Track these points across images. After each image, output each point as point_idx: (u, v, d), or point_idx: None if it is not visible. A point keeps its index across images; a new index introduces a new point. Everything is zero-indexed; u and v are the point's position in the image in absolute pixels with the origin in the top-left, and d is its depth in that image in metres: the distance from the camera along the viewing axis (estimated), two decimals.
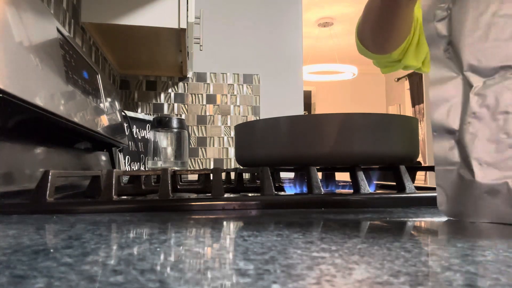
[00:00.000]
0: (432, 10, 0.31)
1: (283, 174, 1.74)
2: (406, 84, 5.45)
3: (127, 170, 1.28)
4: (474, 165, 0.28)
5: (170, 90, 1.87)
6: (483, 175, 0.28)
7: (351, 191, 0.47)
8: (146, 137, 1.44)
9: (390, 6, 0.56)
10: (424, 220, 0.33)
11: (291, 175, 1.66)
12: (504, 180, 0.27)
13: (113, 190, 0.40)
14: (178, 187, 0.59)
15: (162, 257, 0.20)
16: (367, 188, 0.43)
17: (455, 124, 0.29)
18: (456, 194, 0.29)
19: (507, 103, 0.27)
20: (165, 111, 1.85)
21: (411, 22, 0.60)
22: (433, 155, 0.31)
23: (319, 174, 0.68)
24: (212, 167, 1.87)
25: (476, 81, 0.28)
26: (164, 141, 0.92)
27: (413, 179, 0.50)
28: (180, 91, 1.88)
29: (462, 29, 0.29)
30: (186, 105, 1.88)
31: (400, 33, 0.61)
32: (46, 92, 0.49)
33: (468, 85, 0.29)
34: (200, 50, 1.53)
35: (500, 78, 0.27)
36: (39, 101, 0.46)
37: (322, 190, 0.43)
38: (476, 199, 0.28)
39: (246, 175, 0.93)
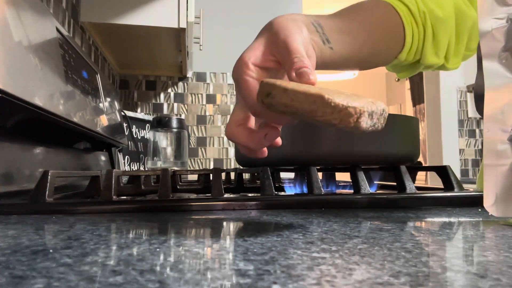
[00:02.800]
0: (489, 20, 0.32)
1: (283, 174, 1.74)
2: (407, 84, 5.44)
3: (127, 170, 1.28)
4: None
5: (169, 90, 1.87)
6: None
7: (352, 191, 0.47)
8: (145, 137, 1.44)
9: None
10: (425, 221, 0.32)
11: (291, 175, 1.66)
12: None
13: (113, 190, 0.39)
14: (178, 187, 0.59)
15: (161, 257, 0.19)
16: (367, 188, 0.43)
17: (509, 123, 0.30)
18: (506, 192, 0.30)
19: None
20: (165, 111, 1.85)
21: (393, 27, 0.50)
22: (484, 153, 0.31)
23: (319, 174, 0.68)
24: (212, 167, 1.87)
25: None
26: (164, 141, 0.92)
27: (413, 179, 0.50)
28: (179, 91, 1.88)
29: None
30: (186, 105, 1.88)
31: (381, 48, 0.50)
32: (46, 92, 0.49)
33: None
34: (200, 50, 1.53)
35: None
36: (38, 101, 0.46)
37: (322, 190, 0.42)
38: None
39: (246, 175, 0.92)
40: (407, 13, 0.52)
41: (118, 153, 1.19)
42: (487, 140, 0.31)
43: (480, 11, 0.33)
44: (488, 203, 0.30)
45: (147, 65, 1.70)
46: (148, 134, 1.20)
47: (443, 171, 0.47)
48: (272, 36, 0.35)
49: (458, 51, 0.55)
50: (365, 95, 0.28)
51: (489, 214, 0.34)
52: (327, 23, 0.42)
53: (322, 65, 0.40)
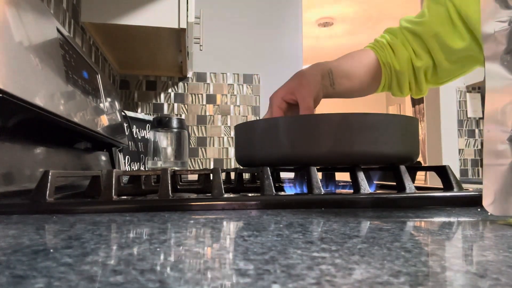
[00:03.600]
0: (492, 23, 0.33)
1: (283, 174, 1.74)
2: None
3: (127, 170, 1.28)
4: None
5: (170, 90, 1.87)
6: None
7: (351, 191, 0.47)
8: (146, 137, 1.44)
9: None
10: (424, 220, 0.33)
11: (291, 175, 1.66)
12: None
13: (113, 190, 0.39)
14: (178, 187, 0.59)
15: (162, 257, 0.20)
16: (367, 188, 0.43)
17: (509, 123, 0.30)
18: (505, 191, 0.30)
19: None
20: (165, 111, 1.85)
21: (369, 76, 0.73)
22: (483, 153, 0.31)
23: (319, 174, 0.68)
24: (212, 167, 1.87)
25: None
26: (164, 141, 0.92)
27: (413, 179, 0.50)
28: (180, 91, 1.88)
29: None
30: (186, 105, 1.88)
31: (366, 91, 0.75)
32: (46, 92, 0.49)
33: None
34: (200, 50, 1.53)
35: None
36: (39, 101, 0.46)
37: (322, 190, 0.43)
38: None
39: (246, 175, 0.93)
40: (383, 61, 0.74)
41: (119, 153, 1.19)
42: (487, 140, 0.31)
43: (483, 15, 0.34)
44: (487, 202, 0.31)
45: (148, 65, 1.70)
46: (148, 134, 1.20)
47: (442, 171, 0.47)
48: (296, 86, 0.61)
49: (419, 88, 0.76)
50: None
51: (488, 213, 0.34)
52: (337, 69, 0.68)
53: (325, 96, 0.66)
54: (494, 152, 0.31)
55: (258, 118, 1.82)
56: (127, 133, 1.27)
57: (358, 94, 0.74)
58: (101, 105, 0.83)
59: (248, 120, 1.71)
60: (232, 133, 1.91)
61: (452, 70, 0.72)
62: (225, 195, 0.41)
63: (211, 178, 0.48)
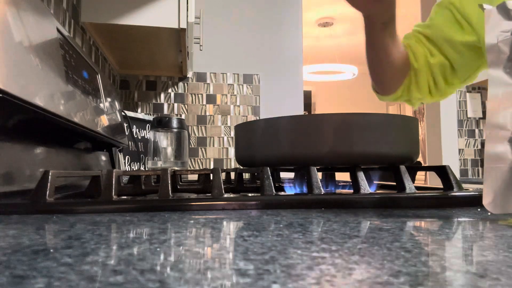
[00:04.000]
0: (495, 33, 0.34)
1: (283, 174, 1.74)
2: None
3: (127, 170, 1.28)
4: None
5: (170, 90, 1.87)
6: None
7: (351, 191, 0.47)
8: (146, 137, 1.44)
9: (370, 36, 0.68)
10: (424, 220, 0.33)
11: (291, 175, 1.66)
12: None
13: (113, 190, 0.39)
14: (178, 187, 0.59)
15: (162, 257, 0.20)
16: (367, 188, 0.43)
17: (509, 126, 0.31)
18: (505, 190, 0.31)
19: None
20: (165, 111, 1.85)
21: (401, 59, 0.72)
22: (485, 155, 0.32)
23: (319, 174, 0.68)
24: (212, 167, 1.87)
25: None
26: (164, 141, 0.92)
27: (413, 179, 0.50)
28: (180, 91, 1.88)
29: None
30: (186, 105, 1.88)
31: (392, 71, 0.74)
32: (46, 92, 0.49)
33: None
34: (200, 50, 1.53)
35: None
36: (39, 101, 0.46)
37: (322, 190, 0.43)
38: None
39: (246, 175, 0.93)
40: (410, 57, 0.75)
41: (119, 153, 1.19)
42: (489, 142, 0.32)
43: (487, 26, 0.35)
44: (486, 200, 0.31)
45: (148, 65, 1.70)
46: (148, 134, 1.20)
47: (442, 171, 0.47)
48: None
49: (437, 88, 0.75)
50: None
51: (488, 213, 0.34)
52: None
53: (370, 19, 0.66)
54: (495, 153, 0.32)
55: (258, 118, 1.81)
56: (127, 133, 1.27)
57: (382, 69, 0.74)
58: (101, 105, 0.83)
59: (248, 120, 1.71)
60: (232, 133, 1.91)
61: (467, 64, 0.73)
62: (225, 195, 0.41)
63: (211, 178, 0.48)
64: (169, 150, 0.92)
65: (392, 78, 0.75)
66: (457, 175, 2.50)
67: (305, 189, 0.52)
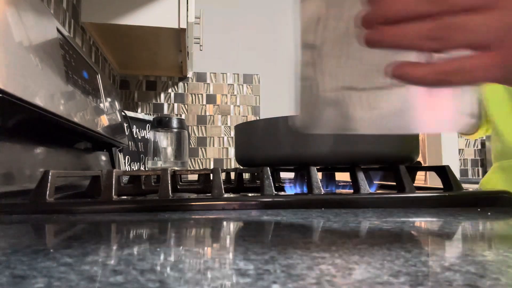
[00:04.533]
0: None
1: (283, 174, 1.74)
2: None
3: (127, 170, 1.28)
4: (319, 78, 0.30)
5: (170, 90, 1.87)
6: (326, 88, 0.30)
7: (351, 191, 0.47)
8: (146, 137, 1.44)
9: None
10: (424, 220, 0.33)
11: (291, 175, 1.66)
12: (340, 91, 0.30)
13: (113, 190, 0.39)
14: (178, 187, 0.59)
15: (162, 257, 0.20)
16: (367, 188, 0.43)
17: (318, 37, 0.32)
18: (309, 108, 0.31)
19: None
20: (165, 111, 1.85)
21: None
22: (296, 72, 0.33)
23: (319, 174, 0.68)
24: (212, 167, 1.87)
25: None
26: (164, 141, 0.92)
27: (413, 179, 0.50)
28: (180, 91, 1.88)
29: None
30: (186, 105, 1.88)
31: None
32: (46, 92, 0.49)
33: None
34: (200, 50, 1.53)
35: None
36: (39, 101, 0.46)
37: (322, 190, 0.43)
38: (321, 111, 0.30)
39: (246, 175, 0.93)
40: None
41: (119, 153, 1.19)
42: (302, 50, 0.32)
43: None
44: (296, 119, 0.31)
45: (148, 65, 1.71)
46: (148, 134, 1.20)
47: (442, 171, 0.47)
48: None
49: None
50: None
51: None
52: None
53: None
54: (302, 70, 0.32)
55: (258, 118, 1.81)
56: (127, 133, 1.27)
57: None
58: (101, 105, 0.83)
59: (248, 120, 1.71)
60: (232, 133, 1.91)
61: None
62: (225, 195, 0.41)
63: (211, 178, 0.48)
64: (169, 150, 0.92)
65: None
66: (457, 175, 2.50)
67: (305, 189, 0.52)
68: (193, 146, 1.88)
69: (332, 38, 0.31)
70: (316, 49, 0.32)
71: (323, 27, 0.31)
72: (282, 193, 0.53)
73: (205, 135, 1.89)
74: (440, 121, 0.29)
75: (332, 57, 0.31)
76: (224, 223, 0.31)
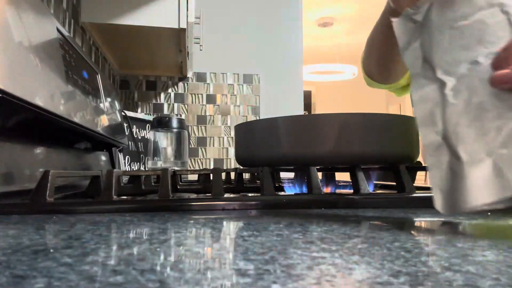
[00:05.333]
0: (407, 40, 0.36)
1: (283, 174, 1.74)
2: None
3: (127, 170, 1.28)
4: (461, 153, 0.29)
5: (170, 90, 1.87)
6: (471, 160, 0.29)
7: (351, 191, 0.47)
8: (146, 137, 1.44)
9: (392, 44, 0.63)
10: (424, 220, 0.33)
11: (291, 175, 1.66)
12: (488, 159, 0.28)
13: (113, 190, 0.39)
14: (178, 187, 0.59)
15: (162, 257, 0.20)
16: (367, 188, 0.43)
17: (439, 123, 0.31)
18: (449, 189, 0.30)
19: (477, 91, 0.30)
20: (165, 111, 1.85)
21: None
22: (426, 157, 0.32)
23: (319, 174, 0.68)
24: (212, 167, 1.87)
25: (449, 80, 0.32)
26: (164, 141, 0.92)
27: (413, 179, 0.50)
28: (180, 91, 1.88)
29: (431, 49, 0.34)
30: (186, 105, 1.88)
31: (403, 65, 0.68)
32: (46, 92, 0.49)
33: (444, 86, 0.32)
34: (200, 50, 1.53)
35: (468, 72, 0.31)
36: (39, 101, 0.46)
37: (322, 190, 0.43)
38: (468, 186, 0.29)
39: (246, 175, 0.93)
40: None
41: (119, 153, 1.19)
42: (425, 144, 0.32)
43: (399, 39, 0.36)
44: (436, 203, 0.31)
45: (148, 65, 1.70)
46: (148, 134, 1.20)
47: None
48: None
49: None
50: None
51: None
52: None
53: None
54: (432, 152, 0.32)
55: (258, 118, 1.81)
56: (127, 133, 1.27)
57: (402, 66, 0.67)
58: (101, 105, 0.83)
59: (248, 120, 1.71)
60: (232, 133, 1.91)
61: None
62: (225, 195, 0.41)
63: (211, 178, 0.48)
64: (169, 150, 0.92)
65: (403, 70, 0.72)
66: None
67: (305, 189, 0.52)
68: (193, 146, 1.88)
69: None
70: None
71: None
72: (282, 193, 0.53)
73: (205, 135, 1.89)
74: None
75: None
76: (224, 223, 0.31)
